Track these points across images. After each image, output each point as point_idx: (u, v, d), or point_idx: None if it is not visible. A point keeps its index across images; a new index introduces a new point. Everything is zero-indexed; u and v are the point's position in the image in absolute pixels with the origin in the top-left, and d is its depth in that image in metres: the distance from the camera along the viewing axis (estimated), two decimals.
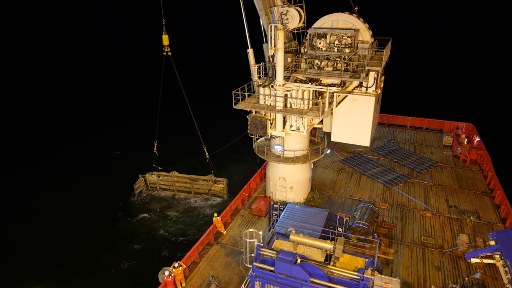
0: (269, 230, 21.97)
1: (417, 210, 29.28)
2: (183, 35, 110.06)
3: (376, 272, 17.16)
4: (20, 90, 78.27)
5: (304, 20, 25.46)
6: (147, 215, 36.68)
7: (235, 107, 26.86)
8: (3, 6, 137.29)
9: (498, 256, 17.84)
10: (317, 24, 26.62)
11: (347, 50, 25.06)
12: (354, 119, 26.67)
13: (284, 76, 25.08)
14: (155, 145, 37.22)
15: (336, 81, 25.59)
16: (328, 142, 32.76)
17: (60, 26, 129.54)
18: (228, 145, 39.42)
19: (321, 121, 28.76)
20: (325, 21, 26.43)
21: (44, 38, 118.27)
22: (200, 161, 37.75)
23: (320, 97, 26.48)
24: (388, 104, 36.48)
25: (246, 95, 27.32)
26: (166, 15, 29.88)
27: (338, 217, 24.00)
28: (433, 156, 38.41)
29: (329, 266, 17.34)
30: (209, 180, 37.31)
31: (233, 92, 26.44)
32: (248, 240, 22.32)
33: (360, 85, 26.16)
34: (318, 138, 30.95)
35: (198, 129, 35.18)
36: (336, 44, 25.12)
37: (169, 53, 31.26)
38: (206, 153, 36.02)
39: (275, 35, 23.82)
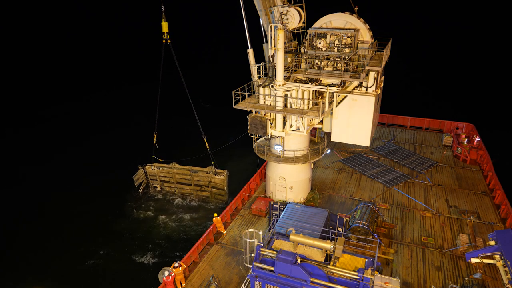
0: (269, 230, 21.98)
1: (417, 210, 29.28)
2: (183, 35, 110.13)
3: (376, 272, 17.17)
4: (22, 89, 78.31)
5: (304, 20, 25.46)
6: (146, 214, 36.67)
7: (235, 107, 26.86)
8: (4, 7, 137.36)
9: (498, 256, 17.84)
10: (317, 24, 26.62)
11: (347, 50, 25.07)
12: (354, 119, 26.67)
13: (284, 76, 25.08)
14: (155, 136, 37.12)
15: (336, 81, 25.60)
16: (328, 142, 32.76)
17: (60, 26, 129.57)
18: (228, 144, 39.34)
19: (321, 121, 28.75)
20: (325, 21, 26.42)
21: (45, 37, 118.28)
22: (200, 153, 37.63)
23: (320, 97, 26.49)
24: (388, 104, 36.48)
25: (246, 95, 27.32)
26: (167, 15, 29.86)
27: (338, 217, 24.00)
28: (433, 156, 38.41)
29: (329, 266, 17.35)
30: (209, 172, 37.11)
31: (233, 92, 26.43)
32: (248, 240, 22.31)
33: (360, 85, 26.16)
34: (318, 138, 30.96)
35: (198, 119, 34.97)
36: (336, 44, 25.13)
37: (169, 41, 31.03)
38: (206, 144, 35.89)
39: (275, 35, 23.81)
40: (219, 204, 37.47)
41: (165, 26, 30.12)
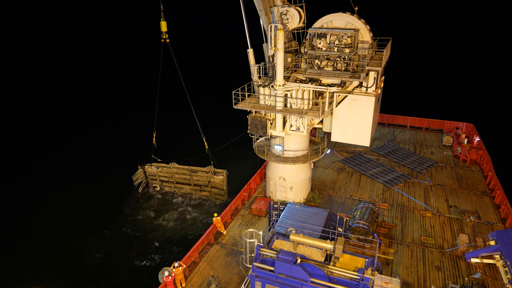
0: (269, 230, 21.99)
1: (417, 210, 29.28)
2: (182, 35, 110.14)
3: (376, 272, 17.17)
4: (21, 89, 78.29)
5: (304, 20, 25.46)
6: (146, 214, 36.65)
7: (235, 107, 26.87)
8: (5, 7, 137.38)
9: (498, 256, 17.85)
10: (318, 23, 26.62)
11: (347, 50, 25.07)
12: (354, 119, 26.67)
13: (284, 76, 25.08)
14: (154, 135, 37.05)
15: (336, 81, 25.60)
16: (328, 142, 32.77)
17: (60, 26, 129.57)
18: (227, 144, 39.34)
19: (321, 121, 28.76)
20: (326, 21, 26.42)
21: (45, 37, 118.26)
22: (199, 153, 37.64)
23: (320, 97, 26.49)
24: (388, 104, 36.47)
25: (246, 95, 27.32)
26: (166, 15, 29.87)
27: (338, 217, 24.00)
28: (433, 156, 38.42)
29: (329, 266, 17.35)
30: (209, 172, 37.08)
31: (233, 92, 26.44)
32: (248, 240, 22.32)
33: (360, 85, 26.16)
34: (318, 138, 30.96)
35: (197, 119, 34.95)
36: (336, 44, 25.13)
37: (167, 40, 31.02)
38: (206, 144, 35.88)
39: (275, 35, 23.82)
40: (219, 203, 37.44)
41: (163, 26, 30.15)
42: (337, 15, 25.96)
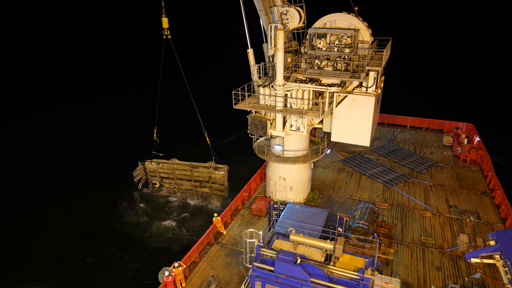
0: (269, 230, 21.98)
1: (417, 210, 29.28)
2: (183, 35, 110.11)
3: (376, 272, 17.17)
4: (20, 89, 78.31)
5: (304, 20, 25.47)
6: (145, 213, 36.63)
7: (235, 107, 26.87)
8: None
9: (498, 256, 17.84)
10: (319, 23, 26.61)
11: (347, 50, 25.07)
12: (354, 119, 26.67)
13: (284, 76, 25.08)
14: (155, 131, 36.98)
15: (336, 81, 25.60)
16: (328, 142, 32.77)
17: (60, 26, 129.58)
18: (228, 140, 39.13)
19: (321, 121, 28.76)
20: (326, 21, 26.42)
21: (45, 37, 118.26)
22: (200, 149, 37.59)
23: (320, 97, 26.49)
24: (388, 104, 36.47)
25: (246, 95, 27.33)
26: (167, 14, 29.86)
27: (338, 217, 24.01)
28: (433, 156, 38.41)
29: (329, 266, 17.35)
30: (210, 167, 37.00)
31: (233, 92, 26.45)
32: (248, 240, 22.32)
33: (360, 85, 26.16)
34: (318, 138, 30.96)
35: (198, 114, 34.82)
36: (336, 44, 25.13)
37: (169, 37, 31.04)
38: (207, 139, 35.85)
39: (275, 35, 23.82)
40: (219, 201, 37.34)
41: (165, 22, 30.14)
42: (340, 15, 25.95)
